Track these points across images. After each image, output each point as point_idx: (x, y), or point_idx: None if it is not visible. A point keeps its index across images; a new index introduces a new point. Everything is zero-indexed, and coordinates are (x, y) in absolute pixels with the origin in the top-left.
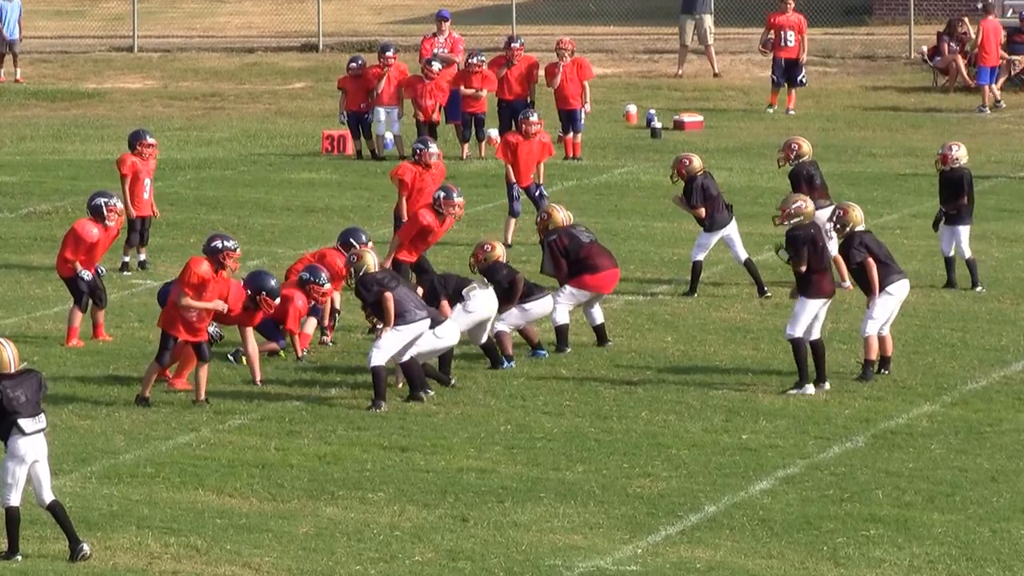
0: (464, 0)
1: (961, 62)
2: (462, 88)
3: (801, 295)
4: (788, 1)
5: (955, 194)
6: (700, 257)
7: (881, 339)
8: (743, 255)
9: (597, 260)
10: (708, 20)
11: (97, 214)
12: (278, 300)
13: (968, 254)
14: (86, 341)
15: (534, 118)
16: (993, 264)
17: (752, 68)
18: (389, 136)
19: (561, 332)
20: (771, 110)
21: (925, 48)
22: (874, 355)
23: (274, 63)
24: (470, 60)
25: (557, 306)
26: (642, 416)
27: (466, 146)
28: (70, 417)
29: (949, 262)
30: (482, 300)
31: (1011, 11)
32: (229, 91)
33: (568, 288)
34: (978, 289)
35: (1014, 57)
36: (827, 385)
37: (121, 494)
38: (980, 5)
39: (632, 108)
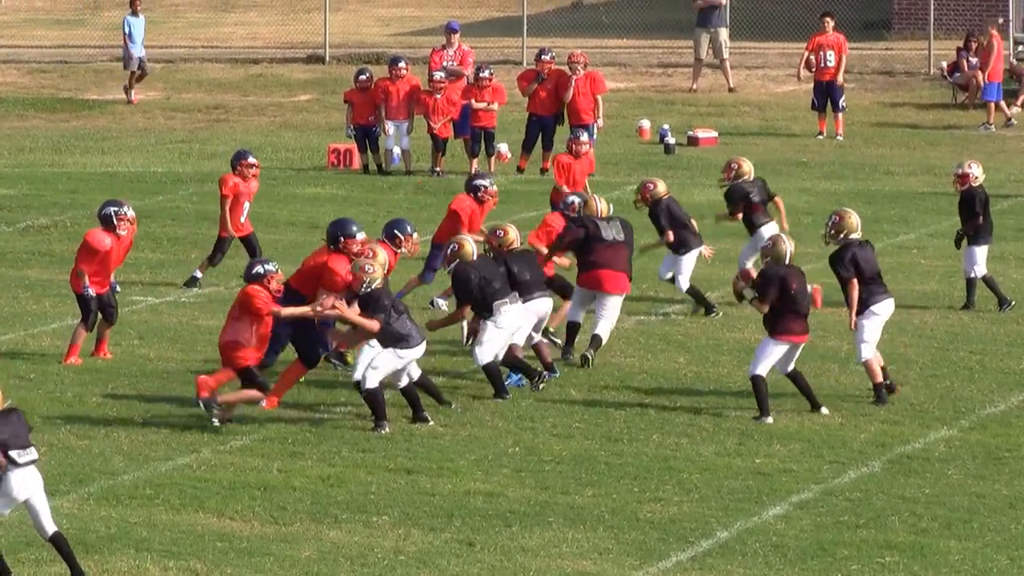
0: (474, 12)
1: (981, 78)
2: (472, 102)
3: (768, 334)
4: (827, 20)
5: (974, 213)
6: (686, 284)
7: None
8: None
9: (603, 257)
10: (723, 34)
11: (107, 223)
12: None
13: (983, 272)
14: (85, 359)
15: (584, 138)
16: (1012, 286)
17: (768, 83)
18: (397, 150)
19: (569, 330)
20: (820, 136)
21: (944, 64)
22: (879, 378)
23: (279, 75)
24: (480, 73)
25: (570, 303)
26: (653, 439)
27: (475, 161)
28: (67, 437)
29: (969, 284)
30: (513, 315)
31: None
32: (233, 103)
33: (576, 285)
34: (1007, 306)
35: None
36: (824, 410)
37: (119, 516)
38: (1000, 20)
39: (645, 123)
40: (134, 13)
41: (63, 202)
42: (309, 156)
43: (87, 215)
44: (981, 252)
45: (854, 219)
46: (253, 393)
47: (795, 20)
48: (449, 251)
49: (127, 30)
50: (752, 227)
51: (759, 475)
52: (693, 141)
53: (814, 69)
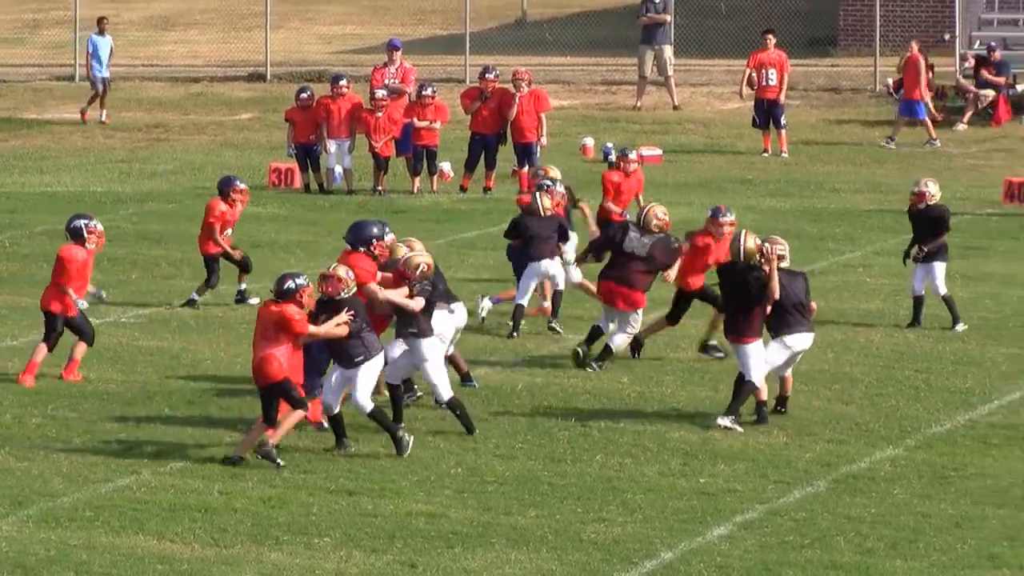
0: (416, 29)
1: (927, 95)
2: (414, 120)
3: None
4: (769, 37)
5: (935, 232)
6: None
7: (782, 379)
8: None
9: (613, 269)
10: (668, 51)
11: (77, 236)
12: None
13: (944, 291)
14: (43, 379)
15: (633, 155)
16: (958, 304)
17: (713, 101)
18: (338, 169)
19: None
20: (765, 154)
21: (891, 80)
22: (763, 396)
23: (220, 93)
24: (422, 91)
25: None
26: (597, 459)
27: (417, 180)
28: (6, 459)
29: (918, 301)
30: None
31: (978, 42)
32: (173, 122)
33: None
34: (959, 327)
35: (982, 91)
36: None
37: (59, 538)
38: (947, 36)
39: (589, 141)
40: (100, 33)
41: (2, 222)
42: (250, 175)
43: (26, 235)
44: (941, 270)
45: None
46: (296, 418)
47: (740, 37)
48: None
49: (91, 49)
50: None
51: (703, 495)
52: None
53: (755, 87)
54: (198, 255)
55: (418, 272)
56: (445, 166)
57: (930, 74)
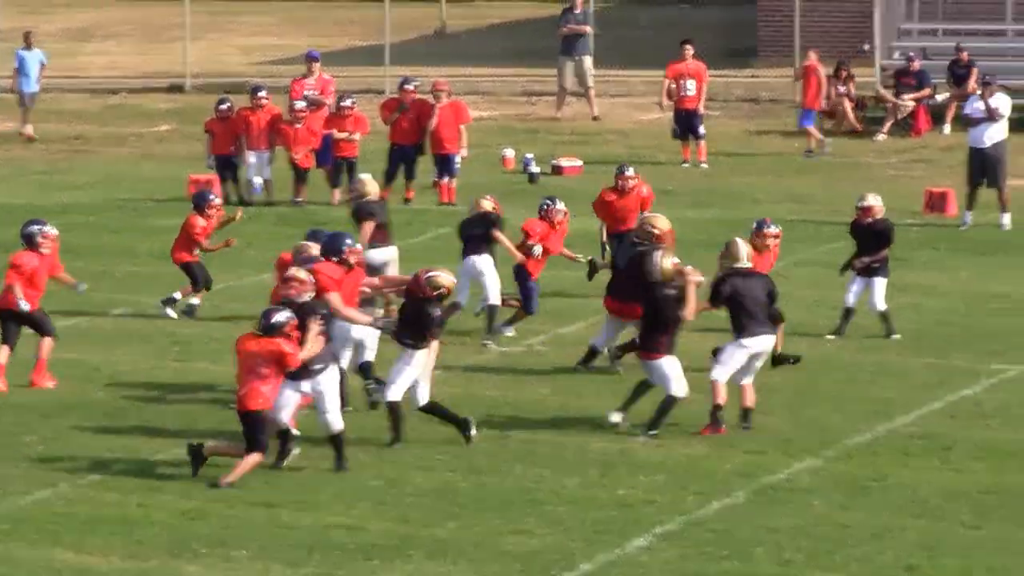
0: (336, 40)
1: (848, 106)
2: (334, 131)
3: None
4: (687, 48)
5: (879, 246)
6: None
7: (741, 388)
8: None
9: (613, 283)
10: (588, 61)
11: (30, 242)
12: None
13: (883, 307)
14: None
15: (630, 172)
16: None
17: (633, 111)
18: (259, 181)
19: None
20: (685, 165)
21: None
22: (719, 399)
23: (139, 104)
24: (341, 102)
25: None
26: (516, 471)
27: (337, 191)
28: None
29: (848, 312)
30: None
31: (897, 53)
32: (93, 133)
33: None
34: (894, 337)
35: (901, 100)
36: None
37: None
38: (866, 47)
39: (509, 152)
40: (27, 47)
41: None
42: (170, 187)
43: None
44: (882, 284)
45: (740, 249)
46: (253, 461)
47: (660, 47)
48: None
49: (17, 64)
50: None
51: (622, 506)
52: (557, 170)
53: (675, 97)
54: (119, 267)
55: (436, 292)
56: (365, 177)
57: (851, 85)
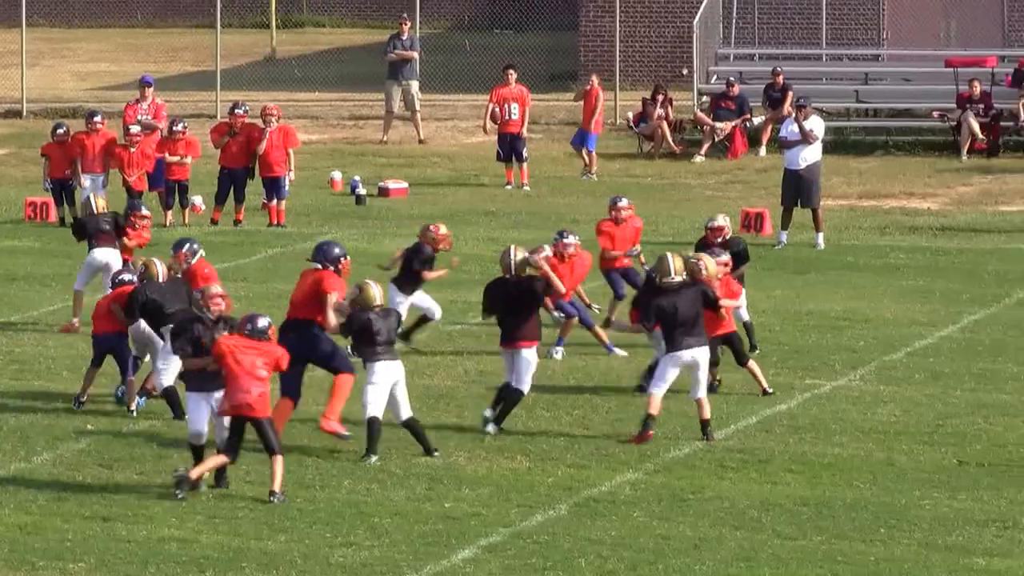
0: (168, 66)
1: (667, 128)
2: (166, 155)
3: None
4: (510, 72)
5: (736, 264)
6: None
7: (697, 403)
8: None
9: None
10: (414, 86)
11: None
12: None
13: (746, 317)
14: None
15: (624, 203)
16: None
17: (457, 135)
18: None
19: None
20: (508, 187)
21: (631, 114)
22: (653, 409)
23: None
24: (173, 126)
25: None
26: (345, 485)
27: (169, 213)
28: None
29: (747, 326)
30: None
31: (715, 77)
32: None
33: None
34: (756, 351)
35: (718, 124)
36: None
37: None
38: (685, 71)
39: (337, 175)
40: None
41: None
42: (6, 209)
43: None
44: (742, 298)
45: (668, 264)
46: (282, 462)
47: (484, 73)
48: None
49: None
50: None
51: (449, 519)
52: (384, 192)
53: (499, 121)
54: None
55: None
56: (196, 199)
57: (669, 108)
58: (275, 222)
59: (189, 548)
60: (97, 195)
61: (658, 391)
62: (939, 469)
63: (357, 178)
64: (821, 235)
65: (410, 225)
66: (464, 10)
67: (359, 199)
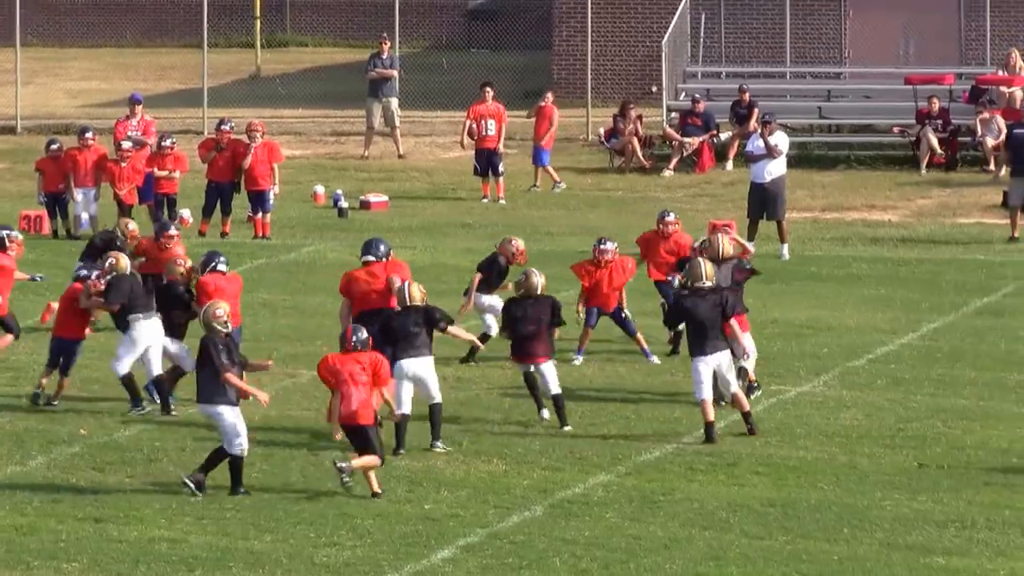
0: (157, 84)
1: (636, 143)
2: (155, 169)
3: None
4: (487, 90)
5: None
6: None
7: (734, 398)
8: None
9: None
10: (394, 103)
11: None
12: None
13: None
14: None
15: (671, 218)
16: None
17: (435, 150)
18: (85, 216)
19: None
20: (485, 200)
21: (602, 130)
22: (709, 417)
23: None
24: (162, 143)
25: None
26: (328, 486)
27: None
28: None
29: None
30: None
31: (684, 94)
32: None
33: None
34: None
35: (686, 139)
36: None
37: None
38: (655, 88)
39: (320, 189)
40: None
41: None
42: (1, 221)
43: None
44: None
45: (700, 268)
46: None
47: (461, 90)
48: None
49: None
50: None
51: (428, 520)
52: (365, 205)
53: (476, 137)
54: None
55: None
56: (185, 212)
57: (638, 124)
58: (260, 234)
59: (178, 548)
60: (88, 209)
61: (705, 396)
62: (900, 471)
63: (339, 192)
64: (786, 246)
65: (392, 236)
66: (442, 30)
67: (341, 212)
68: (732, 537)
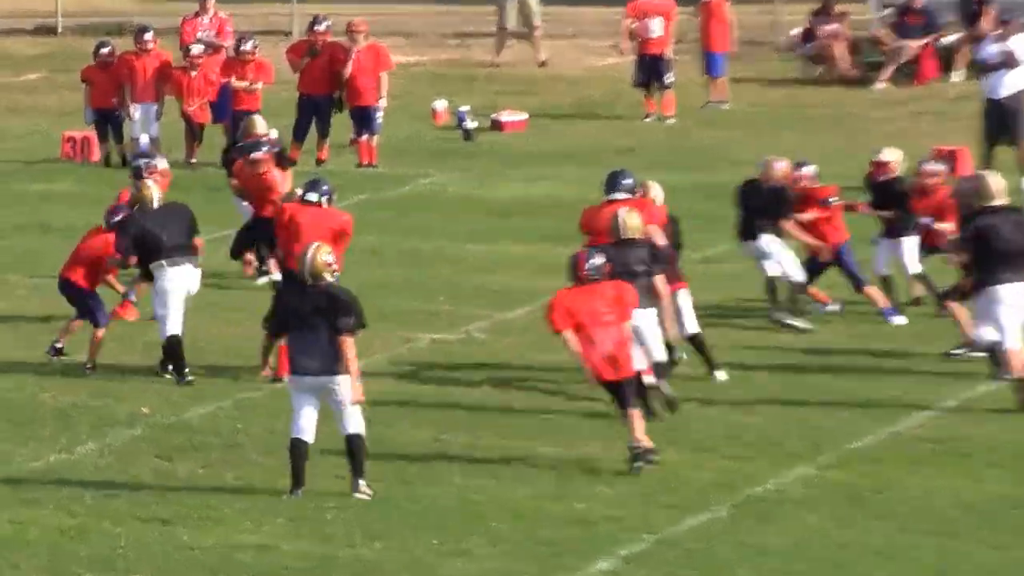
0: None
1: (840, 48)
2: (232, 80)
3: None
4: None
5: (899, 206)
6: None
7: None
8: None
9: None
10: None
11: None
12: None
13: (917, 268)
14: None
15: (939, 166)
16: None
17: (585, 56)
18: (144, 139)
19: None
20: (648, 119)
21: (796, 32)
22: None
23: (3, 49)
24: (241, 46)
25: None
26: (455, 480)
27: None
28: None
29: (886, 282)
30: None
31: None
32: None
33: None
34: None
35: (903, 42)
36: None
37: None
38: None
39: (440, 104)
40: None
41: None
42: (40, 146)
43: None
44: (911, 244)
45: (990, 184)
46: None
47: None
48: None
49: None
50: None
51: (581, 523)
52: (497, 125)
53: (637, 39)
54: None
55: None
56: (161, 163)
57: (843, 23)
58: (366, 161)
59: (267, 557)
60: (147, 130)
61: (1015, 344)
62: None
63: (464, 109)
64: None
65: (529, 167)
66: None
67: (467, 134)
68: (963, 545)
